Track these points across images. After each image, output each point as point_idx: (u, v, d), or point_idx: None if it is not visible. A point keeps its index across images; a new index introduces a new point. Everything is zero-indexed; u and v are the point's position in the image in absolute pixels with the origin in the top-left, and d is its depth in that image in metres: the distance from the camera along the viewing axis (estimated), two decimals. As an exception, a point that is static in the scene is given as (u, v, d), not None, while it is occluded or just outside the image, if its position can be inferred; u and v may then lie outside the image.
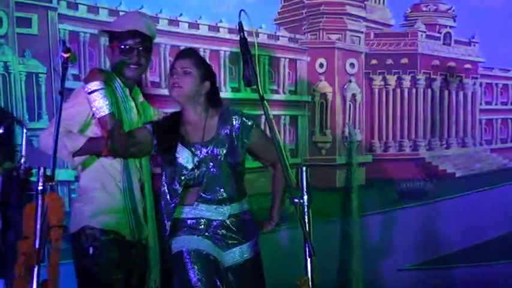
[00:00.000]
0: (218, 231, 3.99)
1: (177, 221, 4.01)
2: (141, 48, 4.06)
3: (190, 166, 4.02)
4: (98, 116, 3.80)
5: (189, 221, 4.01)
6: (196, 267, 3.87)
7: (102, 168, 3.99)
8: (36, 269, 3.14)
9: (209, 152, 4.03)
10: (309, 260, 3.41)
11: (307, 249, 3.40)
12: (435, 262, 5.81)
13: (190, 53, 4.19)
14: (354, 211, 5.54)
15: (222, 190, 4.02)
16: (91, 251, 3.92)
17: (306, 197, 3.45)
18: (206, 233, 3.98)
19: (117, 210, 3.99)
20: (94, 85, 3.82)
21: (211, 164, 4.01)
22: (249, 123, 4.07)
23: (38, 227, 3.17)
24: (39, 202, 3.19)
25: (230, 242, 4.01)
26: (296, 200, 3.46)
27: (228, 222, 4.03)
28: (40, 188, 3.21)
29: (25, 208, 3.26)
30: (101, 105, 3.81)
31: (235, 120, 4.09)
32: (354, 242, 5.45)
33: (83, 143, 3.82)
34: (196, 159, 4.02)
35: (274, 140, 3.55)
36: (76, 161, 3.86)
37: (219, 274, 3.94)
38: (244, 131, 4.05)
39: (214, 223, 4.01)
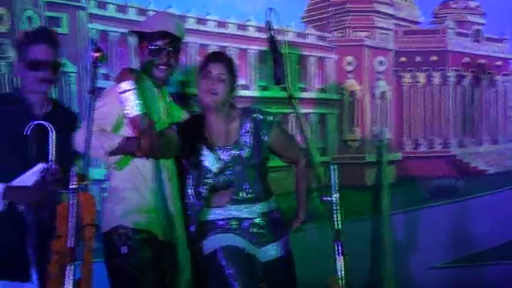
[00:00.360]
0: (250, 229, 4.01)
1: (206, 223, 4.03)
2: (170, 48, 4.06)
3: (215, 169, 4.04)
4: (130, 116, 3.82)
5: (219, 222, 4.02)
6: (231, 263, 3.91)
7: (134, 169, 4.00)
8: (70, 268, 3.17)
9: (234, 154, 4.05)
10: (339, 258, 3.43)
11: (337, 248, 3.41)
12: (467, 260, 5.78)
13: (223, 58, 4.17)
14: (384, 209, 5.53)
15: (250, 190, 4.03)
16: (123, 250, 3.94)
17: (335, 196, 3.46)
18: (238, 232, 4.01)
19: (148, 210, 4.01)
20: (126, 85, 3.84)
21: (236, 166, 4.03)
22: (270, 119, 4.07)
23: (71, 226, 3.20)
24: (72, 201, 3.22)
25: (263, 239, 4.02)
26: (325, 199, 3.47)
27: (258, 221, 4.04)
28: (73, 187, 3.24)
29: (58, 207, 3.29)
30: (133, 105, 3.84)
31: (256, 117, 4.12)
32: (384, 241, 5.44)
33: (118, 143, 3.87)
34: (221, 162, 4.06)
35: (304, 138, 3.57)
36: (111, 160, 3.88)
37: (255, 268, 3.98)
38: (265, 127, 4.06)
39: (246, 223, 4.03)
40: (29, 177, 3.76)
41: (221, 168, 4.07)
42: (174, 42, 4.08)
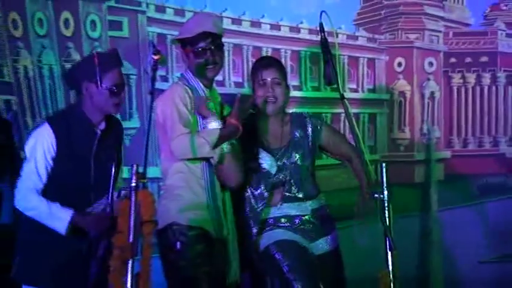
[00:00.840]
0: (300, 226, 4.04)
1: (261, 222, 4.08)
2: (213, 47, 4.05)
3: (274, 171, 4.08)
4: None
5: (271, 220, 4.07)
6: (286, 256, 3.92)
7: (186, 167, 4.04)
8: (130, 262, 3.21)
9: (288, 156, 4.09)
10: (389, 253, 3.42)
11: (387, 244, 3.41)
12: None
13: (274, 62, 4.20)
14: (433, 206, 5.50)
15: (301, 188, 4.08)
16: (178, 246, 3.98)
17: (385, 193, 3.45)
18: (290, 228, 4.03)
19: (201, 207, 4.03)
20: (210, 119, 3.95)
21: (290, 167, 4.07)
22: (319, 124, 4.13)
23: (132, 222, 3.23)
24: (132, 198, 3.25)
25: (313, 235, 4.05)
26: (376, 196, 3.47)
27: (308, 218, 4.07)
28: (133, 185, 3.27)
29: (119, 204, 3.33)
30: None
31: (308, 125, 4.14)
32: (433, 236, 5.42)
33: (217, 134, 3.87)
34: (278, 163, 4.08)
35: (356, 138, 3.57)
36: (216, 153, 3.90)
37: (310, 259, 3.99)
38: (316, 133, 4.11)
39: (297, 219, 4.05)
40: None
41: (277, 170, 4.10)
42: (215, 41, 4.07)
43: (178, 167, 4.03)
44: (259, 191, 4.07)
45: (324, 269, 4.03)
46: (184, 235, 3.96)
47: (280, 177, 4.07)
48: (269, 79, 4.07)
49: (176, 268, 3.97)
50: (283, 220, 4.06)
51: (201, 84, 4.08)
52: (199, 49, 4.08)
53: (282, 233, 4.04)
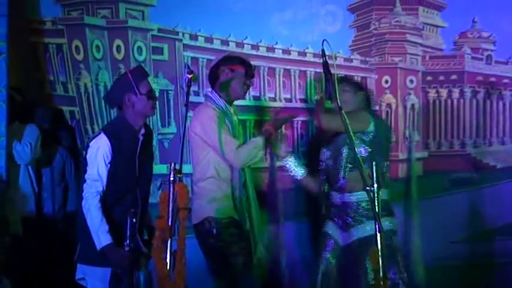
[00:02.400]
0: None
1: None
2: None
3: None
4: None
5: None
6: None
7: (216, 173, 4.02)
8: (169, 242, 3.19)
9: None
10: (378, 235, 3.37)
11: (376, 227, 3.36)
12: (480, 235, 5.68)
13: (342, 79, 4.24)
14: (413, 196, 5.44)
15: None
16: (214, 231, 3.96)
17: (376, 186, 3.40)
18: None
19: (229, 202, 4.02)
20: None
21: None
22: None
23: (170, 209, 3.21)
24: (171, 190, 3.24)
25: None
26: (368, 188, 3.42)
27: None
28: (171, 179, 3.26)
29: (161, 195, 3.32)
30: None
31: None
32: (414, 221, 5.36)
33: (261, 141, 3.99)
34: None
35: (351, 142, 3.52)
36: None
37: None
38: None
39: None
40: None
41: None
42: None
43: (210, 173, 4.01)
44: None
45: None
46: (218, 223, 3.95)
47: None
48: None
49: (216, 249, 3.94)
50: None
51: (225, 103, 4.07)
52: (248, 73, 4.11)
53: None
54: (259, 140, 3.97)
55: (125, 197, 3.78)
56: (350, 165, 4.11)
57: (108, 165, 3.77)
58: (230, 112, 4.09)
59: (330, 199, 4.22)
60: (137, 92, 3.83)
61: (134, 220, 3.64)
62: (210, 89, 4.17)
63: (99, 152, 3.76)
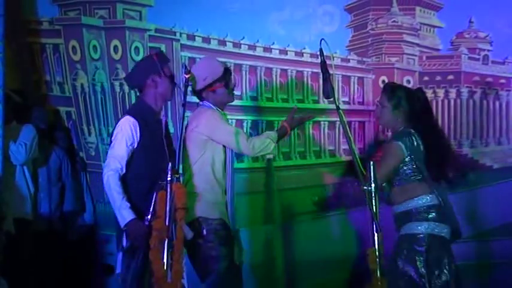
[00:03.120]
0: None
1: None
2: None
3: None
4: None
5: None
6: None
7: (212, 172, 4.01)
8: (166, 242, 3.17)
9: None
10: (376, 235, 3.35)
11: (374, 227, 3.34)
12: (477, 236, 5.64)
13: (384, 88, 4.26)
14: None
15: None
16: (204, 232, 3.94)
17: (373, 185, 3.39)
18: None
19: (220, 204, 4.01)
20: None
21: None
22: None
23: (168, 209, 3.20)
24: (168, 190, 3.22)
25: None
26: (365, 188, 3.41)
27: None
28: (169, 179, 3.24)
29: (158, 194, 3.30)
30: None
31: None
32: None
33: (277, 135, 4.07)
34: None
35: (349, 141, 3.51)
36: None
37: None
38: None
39: None
40: None
41: None
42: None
43: (205, 172, 4.00)
44: None
45: None
46: (209, 224, 3.93)
47: None
48: (378, 102, 4.22)
49: (203, 251, 3.92)
50: None
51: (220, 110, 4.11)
52: (227, 81, 4.09)
53: None
54: (273, 134, 4.03)
55: (160, 176, 3.76)
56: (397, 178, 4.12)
57: (137, 146, 3.86)
58: (226, 119, 4.16)
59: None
60: (162, 73, 3.94)
61: None
62: (204, 102, 4.14)
63: (124, 134, 3.84)
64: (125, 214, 3.72)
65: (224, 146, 4.00)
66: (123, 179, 3.81)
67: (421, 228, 4.01)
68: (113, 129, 3.97)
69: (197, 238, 3.91)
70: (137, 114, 3.91)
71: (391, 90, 4.21)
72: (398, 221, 4.10)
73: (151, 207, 3.62)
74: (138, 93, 4.15)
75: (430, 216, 4.04)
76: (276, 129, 4.13)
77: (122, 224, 3.72)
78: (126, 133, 3.84)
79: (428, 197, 4.05)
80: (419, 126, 4.12)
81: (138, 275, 3.73)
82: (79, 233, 5.24)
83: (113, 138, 3.92)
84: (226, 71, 4.14)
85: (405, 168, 4.08)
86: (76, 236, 5.20)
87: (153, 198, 3.57)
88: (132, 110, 4.06)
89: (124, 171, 3.82)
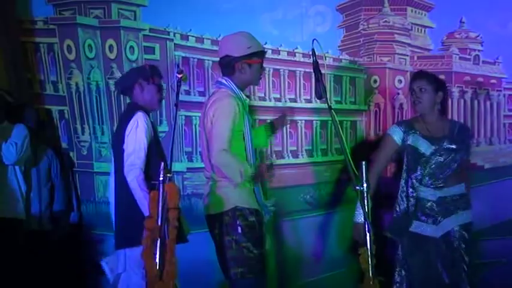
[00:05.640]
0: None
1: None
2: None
3: (428, 153, 4.22)
4: None
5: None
6: None
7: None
8: (158, 241, 3.13)
9: (441, 145, 4.22)
10: (368, 234, 3.32)
11: (366, 226, 3.31)
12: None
13: (422, 75, 4.34)
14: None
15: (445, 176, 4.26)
16: (239, 230, 3.85)
17: (365, 185, 3.35)
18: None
19: (252, 194, 3.92)
20: None
21: (442, 154, 4.22)
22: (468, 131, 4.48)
23: (160, 208, 3.16)
24: (160, 189, 3.18)
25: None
26: (357, 188, 3.37)
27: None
28: (161, 178, 3.20)
29: (150, 194, 3.26)
30: None
31: (459, 126, 4.34)
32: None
33: (249, 175, 3.86)
34: (433, 148, 4.22)
35: (341, 140, 3.47)
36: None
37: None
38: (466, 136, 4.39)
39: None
40: None
41: (431, 153, 4.23)
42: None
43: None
44: (415, 174, 4.35)
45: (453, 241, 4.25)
46: (246, 219, 3.85)
47: (433, 161, 4.33)
48: (416, 87, 4.28)
49: (239, 246, 3.83)
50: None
51: (243, 95, 4.00)
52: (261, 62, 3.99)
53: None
54: (248, 172, 3.81)
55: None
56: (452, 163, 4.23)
57: (151, 140, 3.95)
58: (246, 102, 4.01)
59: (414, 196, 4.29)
60: (150, 80, 4.03)
61: None
62: (224, 77, 4.00)
63: (142, 129, 3.92)
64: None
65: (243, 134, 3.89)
66: None
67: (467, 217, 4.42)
68: (125, 125, 3.97)
69: (230, 235, 3.82)
70: (145, 111, 4.03)
71: (430, 74, 4.34)
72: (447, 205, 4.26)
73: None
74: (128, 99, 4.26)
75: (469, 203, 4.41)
76: (257, 167, 3.91)
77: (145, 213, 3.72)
78: (143, 128, 3.92)
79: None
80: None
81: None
82: (65, 233, 5.20)
83: (127, 134, 3.90)
84: (265, 52, 4.09)
85: None
86: (62, 235, 5.15)
87: None
88: (138, 107, 4.10)
89: (144, 164, 3.92)
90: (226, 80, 3.95)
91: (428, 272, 4.22)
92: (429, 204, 4.29)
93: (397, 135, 4.40)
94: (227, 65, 3.95)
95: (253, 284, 3.80)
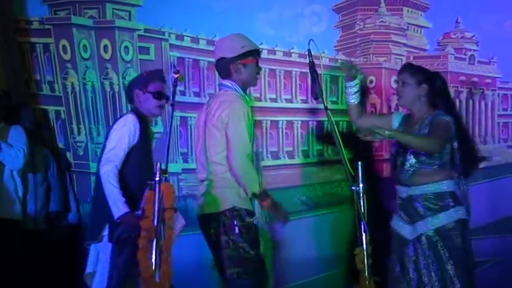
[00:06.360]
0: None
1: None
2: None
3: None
4: None
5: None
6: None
7: None
8: (154, 242, 3.13)
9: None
10: (363, 234, 3.33)
11: (362, 227, 3.31)
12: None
13: (406, 68, 4.18)
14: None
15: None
16: (237, 230, 3.86)
17: (361, 185, 3.36)
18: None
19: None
20: None
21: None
22: (439, 118, 4.01)
23: (156, 209, 3.16)
24: (156, 190, 3.18)
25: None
26: (354, 188, 3.37)
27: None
28: (157, 178, 3.20)
29: (146, 194, 3.27)
30: None
31: (433, 116, 4.04)
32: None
33: (258, 193, 3.90)
34: None
35: (336, 140, 3.46)
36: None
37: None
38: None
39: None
40: None
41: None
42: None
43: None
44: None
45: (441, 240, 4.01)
46: (243, 220, 3.85)
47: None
48: (399, 79, 4.13)
49: (236, 246, 3.84)
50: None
51: (247, 97, 4.04)
52: (258, 60, 4.01)
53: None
54: (263, 185, 3.88)
55: (147, 177, 3.74)
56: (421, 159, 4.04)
57: (134, 145, 3.93)
58: (248, 101, 4.05)
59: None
60: (145, 89, 4.04)
61: None
62: (227, 80, 4.03)
63: (126, 129, 3.93)
64: (120, 206, 3.78)
65: None
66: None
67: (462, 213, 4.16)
68: (113, 124, 4.07)
69: (227, 235, 3.82)
70: (138, 115, 4.03)
71: (413, 67, 4.20)
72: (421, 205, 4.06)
73: (143, 204, 3.61)
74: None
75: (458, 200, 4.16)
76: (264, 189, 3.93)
77: (117, 215, 3.78)
78: (128, 129, 3.92)
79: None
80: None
81: (124, 272, 3.69)
82: (62, 233, 5.19)
83: (112, 130, 3.99)
84: (260, 51, 4.11)
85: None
86: (59, 235, 5.14)
87: (144, 194, 3.54)
88: (134, 111, 4.15)
89: (120, 165, 3.91)
90: (231, 83, 3.99)
91: (400, 273, 4.11)
92: (400, 201, 4.14)
93: (396, 118, 4.30)
94: (223, 68, 3.99)
95: (249, 285, 3.81)
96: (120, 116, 4.19)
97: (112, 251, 3.84)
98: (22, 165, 4.80)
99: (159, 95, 4.05)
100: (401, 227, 4.09)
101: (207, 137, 3.91)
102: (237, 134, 3.78)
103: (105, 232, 3.91)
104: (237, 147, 3.76)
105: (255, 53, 4.05)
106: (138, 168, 3.91)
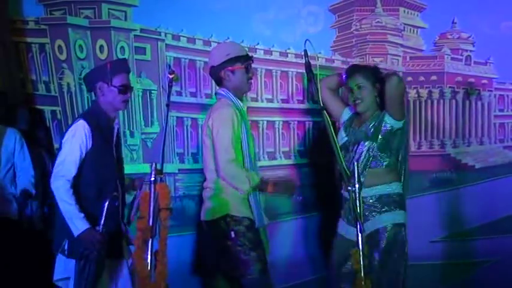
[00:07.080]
0: None
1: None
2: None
3: (340, 143, 4.06)
4: None
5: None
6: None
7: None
8: (150, 242, 3.14)
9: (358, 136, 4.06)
10: (359, 235, 3.34)
11: (358, 227, 3.32)
12: (459, 235, 5.67)
13: (356, 70, 4.11)
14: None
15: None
16: (233, 235, 3.90)
17: (357, 186, 3.37)
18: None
19: (247, 202, 3.95)
20: None
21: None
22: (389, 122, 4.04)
23: (151, 209, 3.16)
24: (152, 190, 3.18)
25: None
26: (349, 188, 3.38)
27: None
28: (152, 179, 3.21)
29: (141, 194, 3.26)
30: None
31: (380, 116, 4.05)
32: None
33: (257, 185, 4.00)
34: (345, 139, 4.11)
35: (332, 141, 3.47)
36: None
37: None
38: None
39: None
40: None
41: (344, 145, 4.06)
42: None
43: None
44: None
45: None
46: (237, 225, 3.88)
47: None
48: (353, 85, 4.05)
49: (233, 253, 3.87)
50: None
51: (239, 100, 4.05)
52: (247, 66, 4.03)
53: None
54: (255, 180, 3.90)
55: (107, 183, 3.71)
56: (371, 159, 4.02)
57: (88, 152, 3.73)
58: (244, 110, 4.09)
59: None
60: (109, 82, 3.81)
61: (116, 204, 3.67)
62: (221, 89, 4.13)
63: (76, 138, 3.72)
64: (78, 224, 3.59)
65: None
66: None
67: (401, 218, 4.26)
68: (65, 133, 3.86)
69: (225, 240, 3.85)
70: (92, 119, 3.80)
71: (364, 68, 4.15)
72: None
73: (103, 217, 3.55)
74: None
75: (403, 203, 4.25)
76: (260, 178, 3.98)
77: (76, 233, 3.60)
78: (79, 138, 3.71)
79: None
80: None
81: (92, 280, 3.59)
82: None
83: (63, 141, 3.79)
84: (250, 57, 4.11)
85: None
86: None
87: (104, 207, 3.53)
88: (87, 114, 3.95)
89: (73, 176, 3.69)
90: (223, 90, 4.11)
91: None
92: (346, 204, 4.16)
93: (346, 114, 4.28)
94: (214, 76, 4.15)
95: (256, 284, 3.86)
96: (72, 123, 3.92)
97: (75, 267, 3.66)
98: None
99: (125, 89, 3.84)
100: (350, 230, 4.02)
101: (203, 146, 4.05)
102: (218, 140, 3.89)
103: (66, 247, 3.73)
104: (219, 154, 3.87)
105: (243, 59, 4.07)
106: (94, 176, 3.72)
